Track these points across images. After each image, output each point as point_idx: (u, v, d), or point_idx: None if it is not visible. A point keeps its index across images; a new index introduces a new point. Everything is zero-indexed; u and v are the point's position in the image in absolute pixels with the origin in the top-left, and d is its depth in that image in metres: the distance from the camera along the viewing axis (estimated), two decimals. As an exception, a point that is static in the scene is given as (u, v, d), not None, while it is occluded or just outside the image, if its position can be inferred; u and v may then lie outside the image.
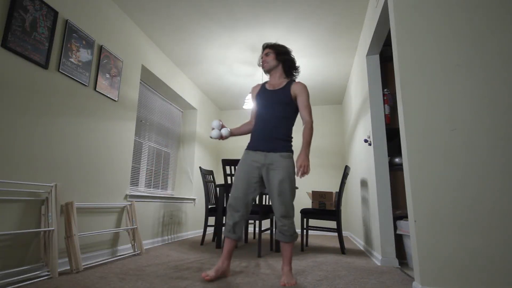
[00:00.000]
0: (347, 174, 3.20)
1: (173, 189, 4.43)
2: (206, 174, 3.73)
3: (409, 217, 1.68)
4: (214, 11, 2.94)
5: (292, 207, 1.89)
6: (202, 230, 4.83)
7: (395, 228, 2.68)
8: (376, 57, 2.90)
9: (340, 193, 3.14)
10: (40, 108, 2.05)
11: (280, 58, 2.04)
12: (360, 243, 3.68)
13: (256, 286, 1.78)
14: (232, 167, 4.95)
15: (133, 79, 3.12)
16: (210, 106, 5.44)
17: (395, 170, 2.81)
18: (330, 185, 5.28)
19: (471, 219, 1.54)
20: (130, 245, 2.92)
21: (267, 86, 2.08)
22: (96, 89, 2.55)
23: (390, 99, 2.86)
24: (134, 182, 3.46)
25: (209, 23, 3.13)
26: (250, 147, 2.01)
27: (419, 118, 1.70)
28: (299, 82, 2.00)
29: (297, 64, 2.00)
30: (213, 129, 2.08)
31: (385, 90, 2.89)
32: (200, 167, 3.68)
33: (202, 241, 3.45)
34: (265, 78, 4.41)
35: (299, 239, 4.33)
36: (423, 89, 1.73)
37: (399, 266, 2.45)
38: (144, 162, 3.66)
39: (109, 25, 2.77)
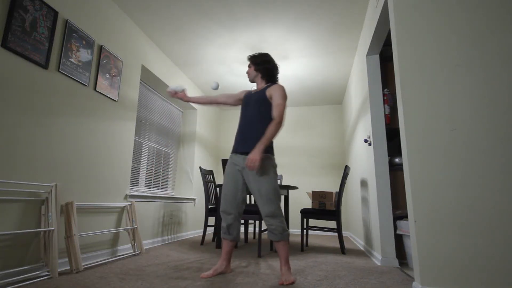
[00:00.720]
0: (347, 174, 3.21)
1: (173, 189, 4.43)
2: (206, 174, 3.73)
3: (409, 217, 1.68)
4: (214, 11, 2.94)
5: (277, 206, 1.91)
6: (202, 230, 4.83)
7: (395, 228, 2.68)
8: (376, 57, 2.90)
9: (340, 193, 3.14)
10: (40, 108, 2.05)
11: (258, 68, 2.18)
12: (360, 243, 3.68)
13: (256, 286, 1.78)
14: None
15: (133, 79, 3.12)
16: (210, 106, 5.44)
17: (395, 170, 2.81)
18: (330, 185, 5.28)
19: (471, 219, 1.54)
20: (130, 245, 2.92)
21: (252, 92, 2.23)
22: (96, 89, 2.55)
23: (390, 99, 2.86)
24: (134, 182, 3.46)
25: (209, 23, 3.13)
26: (233, 149, 2.12)
27: (419, 118, 1.70)
28: (277, 84, 2.12)
29: (277, 65, 2.17)
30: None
31: (385, 90, 2.89)
32: (200, 167, 3.69)
33: (202, 241, 3.45)
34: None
35: (299, 239, 4.33)
36: (423, 89, 1.73)
37: (399, 266, 2.45)
38: (144, 162, 3.66)
39: (109, 25, 2.77)
